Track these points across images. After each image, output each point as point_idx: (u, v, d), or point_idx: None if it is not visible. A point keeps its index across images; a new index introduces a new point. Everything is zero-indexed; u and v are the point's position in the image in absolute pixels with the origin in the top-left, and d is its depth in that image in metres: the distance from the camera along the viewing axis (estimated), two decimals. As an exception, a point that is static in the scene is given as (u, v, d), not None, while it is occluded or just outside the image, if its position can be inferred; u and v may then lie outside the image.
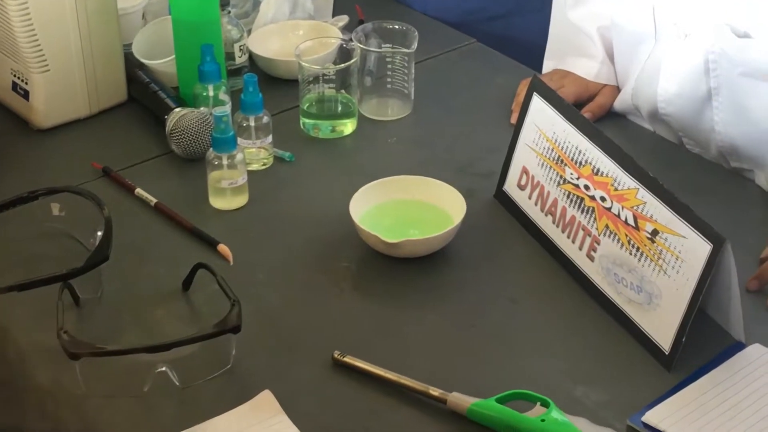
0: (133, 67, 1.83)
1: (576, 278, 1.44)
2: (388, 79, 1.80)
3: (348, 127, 1.77)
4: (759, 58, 1.53)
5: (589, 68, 1.81)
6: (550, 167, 1.49)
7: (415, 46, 1.77)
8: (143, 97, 1.80)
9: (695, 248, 1.27)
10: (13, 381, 1.34)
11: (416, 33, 1.78)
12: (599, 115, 1.78)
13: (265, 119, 1.66)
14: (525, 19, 2.18)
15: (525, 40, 2.12)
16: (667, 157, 1.70)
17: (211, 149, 1.57)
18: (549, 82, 1.74)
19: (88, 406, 1.28)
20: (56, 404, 1.30)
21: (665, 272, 1.31)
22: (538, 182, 1.51)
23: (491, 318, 1.41)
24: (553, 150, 1.49)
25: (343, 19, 2.05)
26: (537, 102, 1.53)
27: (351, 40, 1.79)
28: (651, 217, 1.33)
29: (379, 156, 1.72)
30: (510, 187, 1.57)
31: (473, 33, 2.06)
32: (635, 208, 1.35)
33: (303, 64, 1.74)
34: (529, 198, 1.53)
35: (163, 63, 1.82)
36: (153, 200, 1.59)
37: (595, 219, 1.41)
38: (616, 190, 1.38)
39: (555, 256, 1.48)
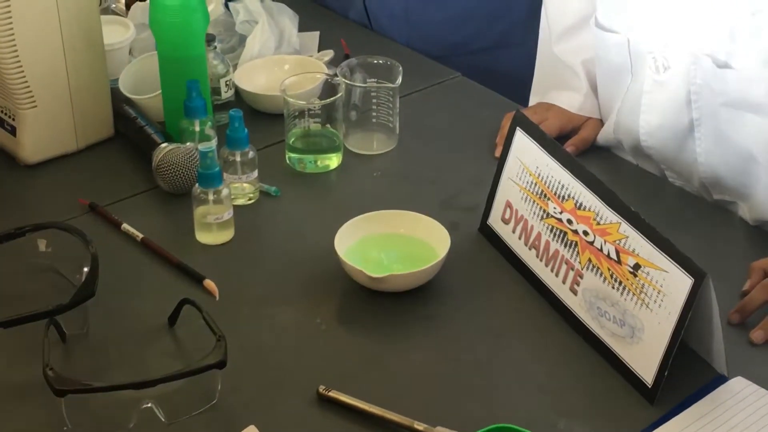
0: (119, 102, 1.83)
1: (559, 311, 1.45)
2: (373, 114, 1.81)
3: (333, 161, 1.78)
4: (741, 88, 1.54)
5: (572, 101, 1.83)
6: (534, 201, 1.50)
7: (399, 80, 1.78)
8: (130, 132, 1.80)
9: (677, 282, 1.28)
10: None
11: (401, 68, 1.79)
12: (582, 149, 1.79)
13: (251, 154, 1.67)
14: (507, 52, 2.20)
15: (508, 73, 2.14)
16: (650, 190, 1.71)
17: (197, 185, 1.58)
18: (532, 115, 1.76)
19: (73, 442, 1.29)
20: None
21: (647, 306, 1.32)
22: (522, 216, 1.53)
23: (475, 352, 1.41)
24: (536, 184, 1.50)
25: (329, 54, 2.06)
26: (520, 136, 1.54)
27: (336, 74, 1.80)
28: (633, 251, 1.34)
29: (364, 190, 1.73)
30: (494, 221, 1.58)
31: (457, 66, 2.08)
32: (617, 242, 1.36)
33: (288, 99, 1.75)
34: (513, 232, 1.54)
35: (149, 98, 1.83)
36: (139, 235, 1.60)
37: (578, 253, 1.42)
38: (598, 224, 1.39)
39: (539, 289, 1.49)
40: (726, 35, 1.52)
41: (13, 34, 1.67)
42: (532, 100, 1.92)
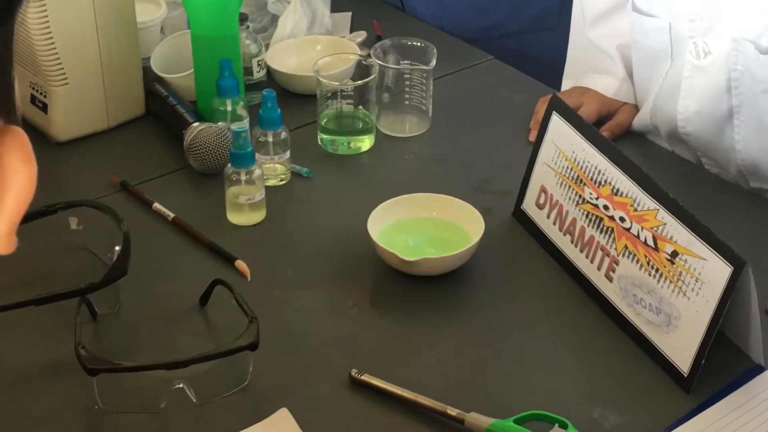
0: (151, 80, 1.83)
1: (594, 298, 1.44)
2: (406, 96, 1.80)
3: (366, 143, 1.77)
4: None
5: (608, 85, 1.81)
6: (569, 186, 1.49)
7: (433, 63, 1.76)
8: (161, 111, 1.80)
9: (715, 270, 1.27)
10: (28, 395, 1.34)
11: (435, 50, 1.77)
12: (618, 134, 1.77)
13: (284, 135, 1.66)
14: (541, 35, 2.19)
15: (541, 56, 2.13)
16: (686, 177, 1.69)
17: (229, 165, 1.57)
18: (567, 99, 1.73)
19: (105, 422, 1.28)
20: (73, 420, 1.29)
21: (685, 294, 1.30)
22: (557, 201, 1.51)
23: (509, 338, 1.40)
24: (572, 169, 1.48)
25: (361, 35, 2.05)
26: (556, 121, 1.52)
27: (369, 56, 1.79)
28: (671, 238, 1.32)
29: (396, 172, 1.72)
30: (528, 205, 1.57)
31: (489, 49, 2.06)
32: (655, 229, 1.34)
33: (321, 79, 1.73)
34: (548, 217, 1.53)
35: (181, 77, 1.82)
36: (170, 215, 1.59)
37: (614, 239, 1.41)
38: (635, 210, 1.38)
39: (573, 275, 1.48)
40: (769, 20, 1.50)
41: (45, 11, 1.66)
42: (565, 84, 1.90)
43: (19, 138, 0.55)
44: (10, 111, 0.55)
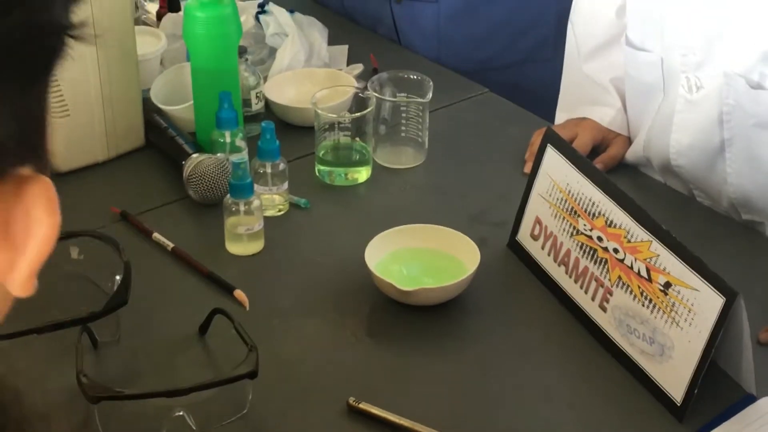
0: (150, 112, 1.85)
1: (588, 328, 1.46)
2: (403, 128, 1.82)
3: (362, 174, 1.79)
4: None
5: (604, 114, 1.83)
6: (564, 218, 1.51)
7: (430, 95, 1.78)
8: (161, 142, 1.82)
9: (708, 301, 1.29)
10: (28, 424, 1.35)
11: (431, 83, 1.80)
12: (611, 166, 1.79)
13: (282, 166, 1.68)
14: (537, 66, 2.21)
15: (536, 88, 2.15)
16: (678, 209, 1.72)
17: (228, 195, 1.59)
18: (562, 131, 1.76)
19: (105, 449, 1.29)
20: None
21: (678, 324, 1.32)
22: (551, 233, 1.53)
23: (504, 366, 1.42)
24: (566, 201, 1.51)
25: (358, 68, 2.08)
26: (551, 153, 1.55)
27: (366, 88, 1.81)
28: (664, 269, 1.34)
29: (393, 204, 1.74)
30: (523, 236, 1.59)
31: (486, 81, 2.09)
32: (648, 260, 1.36)
33: (319, 111, 1.76)
34: (542, 248, 1.55)
35: (180, 109, 1.84)
36: (170, 245, 1.61)
37: (607, 270, 1.43)
38: (629, 242, 1.40)
39: (567, 306, 1.50)
40: (760, 56, 1.53)
41: (48, 43, 1.68)
42: (558, 118, 1.92)
43: (45, 188, 0.58)
44: (42, 159, 0.59)
